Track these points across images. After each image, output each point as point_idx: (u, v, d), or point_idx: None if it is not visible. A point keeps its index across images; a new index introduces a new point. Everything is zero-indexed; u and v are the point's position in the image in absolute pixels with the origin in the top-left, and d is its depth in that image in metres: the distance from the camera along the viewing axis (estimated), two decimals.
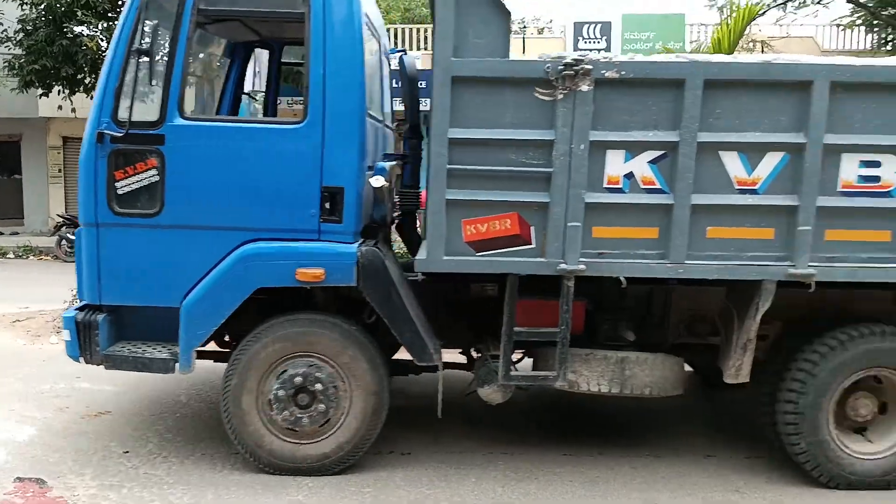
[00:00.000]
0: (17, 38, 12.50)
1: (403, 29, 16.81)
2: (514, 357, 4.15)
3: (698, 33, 15.61)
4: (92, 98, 4.02)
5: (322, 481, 3.89)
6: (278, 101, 5.27)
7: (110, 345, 3.92)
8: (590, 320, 4.16)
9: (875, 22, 13.44)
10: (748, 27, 7.82)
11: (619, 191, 3.63)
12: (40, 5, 11.83)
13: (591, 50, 14.58)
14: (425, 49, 14.26)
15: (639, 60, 3.62)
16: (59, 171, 17.33)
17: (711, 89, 3.50)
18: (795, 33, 14.72)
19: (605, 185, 3.62)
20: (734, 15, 7.31)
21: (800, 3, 13.15)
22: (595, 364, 3.92)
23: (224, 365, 4.00)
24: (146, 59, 3.68)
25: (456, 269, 3.75)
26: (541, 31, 20.93)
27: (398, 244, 4.93)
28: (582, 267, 3.62)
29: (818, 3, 13.24)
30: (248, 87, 5.31)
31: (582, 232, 3.61)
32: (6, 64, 12.77)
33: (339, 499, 3.75)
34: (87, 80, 12.34)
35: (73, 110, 12.99)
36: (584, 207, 3.59)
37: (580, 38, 16.43)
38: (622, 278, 3.72)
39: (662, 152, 3.59)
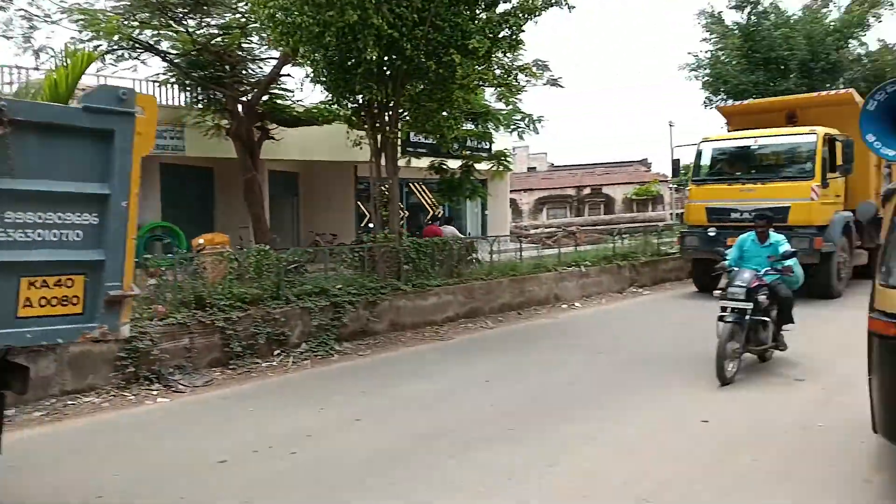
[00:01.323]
0: None
1: None
2: None
3: (12, 75, 13.97)
4: None
5: None
6: None
7: None
8: None
9: (187, 81, 14.32)
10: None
11: None
12: None
13: None
14: None
15: None
16: None
17: None
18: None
19: None
20: (73, 59, 6.70)
21: (118, 57, 13.24)
22: None
23: None
24: None
25: None
26: None
27: None
28: None
29: (136, 58, 13.56)
30: None
31: None
32: None
33: None
34: None
35: None
36: None
37: None
38: None
39: None
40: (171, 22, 13.15)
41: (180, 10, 13.13)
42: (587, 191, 46.72)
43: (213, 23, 13.88)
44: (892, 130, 7.43)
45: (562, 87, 13.74)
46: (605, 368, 8.06)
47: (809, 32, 22.86)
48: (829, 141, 12.72)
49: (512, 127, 16.16)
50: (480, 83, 12.12)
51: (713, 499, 4.45)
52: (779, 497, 4.45)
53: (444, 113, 11.50)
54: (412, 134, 14.43)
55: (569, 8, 10.30)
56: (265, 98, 14.51)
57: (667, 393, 6.91)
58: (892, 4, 23.01)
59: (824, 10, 24.39)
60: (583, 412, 6.30)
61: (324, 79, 10.76)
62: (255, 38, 13.84)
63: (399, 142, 12.47)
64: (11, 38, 13.37)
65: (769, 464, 5.00)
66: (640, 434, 5.72)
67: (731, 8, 24.43)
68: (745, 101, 17.52)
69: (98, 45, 12.44)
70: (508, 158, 18.21)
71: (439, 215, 19.45)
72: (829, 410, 6.20)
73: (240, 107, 14.10)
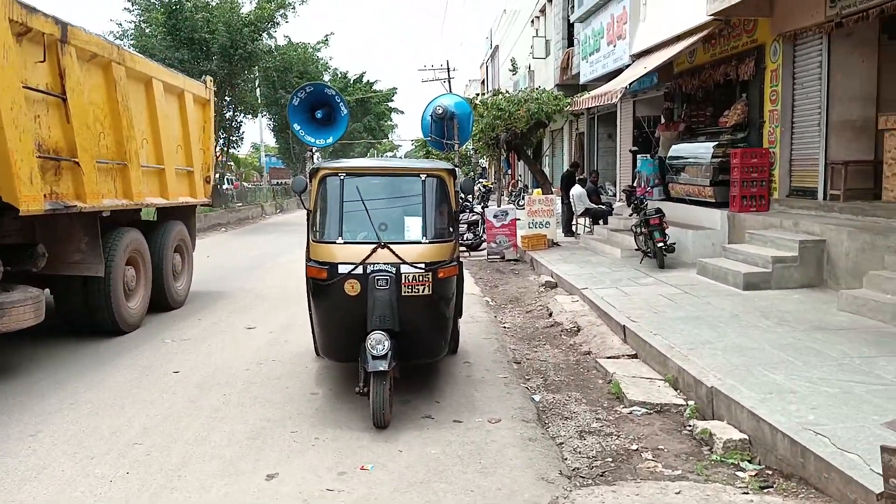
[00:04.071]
0: None
1: None
2: None
3: None
4: None
5: None
6: None
7: None
8: None
9: None
10: None
11: None
12: None
13: None
14: None
15: None
16: None
17: None
18: None
19: None
20: None
21: None
22: None
23: None
24: None
25: None
26: None
27: None
28: None
29: None
30: None
31: None
32: None
33: None
34: None
35: None
36: None
37: None
38: None
39: None
40: None
41: None
42: None
43: None
44: (311, 121, 9.07)
45: None
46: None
47: (229, 20, 24.73)
48: None
49: None
50: None
51: (196, 429, 4.99)
52: (250, 417, 5.26)
53: None
54: None
55: None
56: None
57: (133, 353, 7.14)
58: (293, 8, 26.50)
59: (240, 1, 26.59)
60: (60, 385, 6.08)
61: None
62: None
63: None
64: None
65: (238, 395, 5.81)
66: (117, 393, 5.86)
67: None
68: None
69: None
70: None
71: None
72: (278, 347, 7.36)
73: None
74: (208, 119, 11.09)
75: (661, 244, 10.44)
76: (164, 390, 5.95)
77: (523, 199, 24.53)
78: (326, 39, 33.83)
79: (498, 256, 13.92)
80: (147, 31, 25.18)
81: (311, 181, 5.81)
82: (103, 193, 7.63)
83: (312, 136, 8.76)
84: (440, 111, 9.91)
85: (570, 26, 20.23)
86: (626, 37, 14.62)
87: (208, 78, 11.00)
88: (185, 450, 4.62)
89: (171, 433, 4.92)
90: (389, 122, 56.76)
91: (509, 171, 33.29)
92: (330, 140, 8.99)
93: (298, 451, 4.60)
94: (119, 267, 7.90)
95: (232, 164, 42.65)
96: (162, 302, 9.26)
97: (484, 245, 14.59)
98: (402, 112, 74.62)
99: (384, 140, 59.93)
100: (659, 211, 10.64)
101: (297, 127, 8.65)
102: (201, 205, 11.01)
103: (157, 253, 9.13)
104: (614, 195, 17.95)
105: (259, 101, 31.85)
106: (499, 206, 18.08)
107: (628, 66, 14.48)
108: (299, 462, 4.43)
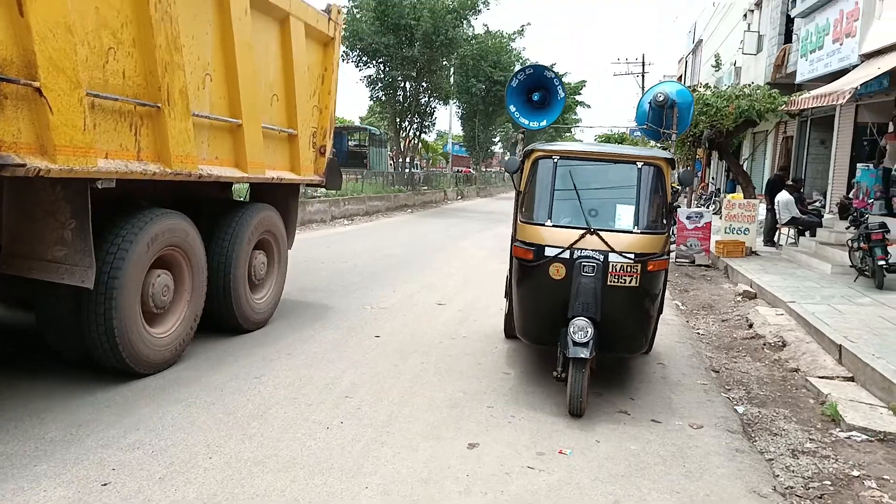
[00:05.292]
0: None
1: None
2: None
3: None
4: None
5: None
6: None
7: None
8: None
9: None
10: None
11: None
12: None
13: None
14: None
15: None
16: None
17: None
18: None
19: None
20: None
21: None
22: None
23: None
24: None
25: None
26: None
27: None
28: None
29: None
30: None
31: None
32: None
33: None
34: None
35: None
36: None
37: None
38: None
39: None
40: None
41: None
42: None
43: None
44: (526, 103, 9.09)
45: None
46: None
47: (433, 7, 25.52)
48: None
49: None
50: None
51: (399, 392, 5.26)
52: (447, 387, 5.44)
53: None
54: None
55: None
56: None
57: (340, 315, 7.64)
58: None
59: None
60: (278, 337, 6.67)
61: None
62: None
63: None
64: None
65: (434, 364, 6.02)
66: (327, 349, 6.31)
67: None
68: None
69: None
70: None
71: None
72: (468, 325, 7.55)
73: None
74: (330, 65, 7.70)
75: (882, 262, 9.45)
76: (367, 351, 6.31)
77: (714, 203, 23.27)
78: (522, 30, 33.93)
79: (687, 260, 13.30)
80: (357, 15, 26.61)
81: (524, 162, 5.84)
82: (106, 150, 4.49)
83: (526, 119, 8.80)
84: (661, 98, 9.53)
85: (789, 21, 18.77)
86: (855, 34, 13.31)
87: (334, 5, 7.75)
88: (390, 409, 4.87)
89: (378, 392, 5.21)
90: (574, 116, 55.98)
91: (700, 173, 31.63)
92: (543, 123, 8.96)
93: (496, 426, 4.69)
94: (133, 271, 4.85)
95: (421, 148, 44.17)
96: (226, 321, 6.41)
97: (672, 247, 13.99)
98: (589, 106, 72.93)
99: (566, 134, 59.33)
100: (883, 226, 9.63)
101: (512, 108, 8.72)
102: (308, 185, 7.79)
103: (220, 250, 6.24)
104: (823, 206, 16.50)
105: (452, 88, 32.63)
106: (689, 207, 17.27)
107: (855, 66, 13.19)
108: (497, 436, 4.51)
